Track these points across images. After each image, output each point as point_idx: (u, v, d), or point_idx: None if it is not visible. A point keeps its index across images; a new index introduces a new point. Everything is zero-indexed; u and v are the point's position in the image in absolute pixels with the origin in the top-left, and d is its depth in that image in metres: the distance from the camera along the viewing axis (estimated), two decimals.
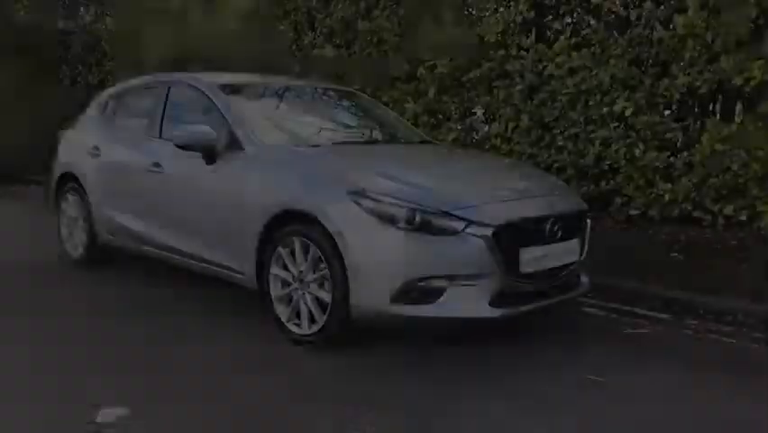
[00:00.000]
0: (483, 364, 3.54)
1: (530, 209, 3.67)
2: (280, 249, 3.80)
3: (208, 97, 4.53)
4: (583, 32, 6.33)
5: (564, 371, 3.48)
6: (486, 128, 7.12)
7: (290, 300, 3.81)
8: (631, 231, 6.04)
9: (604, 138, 6.16)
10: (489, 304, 3.44)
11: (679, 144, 5.91)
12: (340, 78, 8.05)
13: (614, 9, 5.96)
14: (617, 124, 6.13)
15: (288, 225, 3.76)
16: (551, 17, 6.64)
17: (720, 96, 5.90)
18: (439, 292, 3.40)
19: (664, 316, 4.45)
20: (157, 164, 4.65)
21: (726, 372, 3.51)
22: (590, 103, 6.23)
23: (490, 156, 6.00)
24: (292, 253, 3.77)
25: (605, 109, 6.14)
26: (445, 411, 2.97)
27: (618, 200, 6.23)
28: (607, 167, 6.21)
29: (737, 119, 5.85)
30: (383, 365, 3.52)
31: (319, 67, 8.40)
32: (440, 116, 7.48)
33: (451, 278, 3.39)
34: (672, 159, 5.90)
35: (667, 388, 3.29)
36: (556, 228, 3.68)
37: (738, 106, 5.88)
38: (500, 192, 3.81)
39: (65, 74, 13.42)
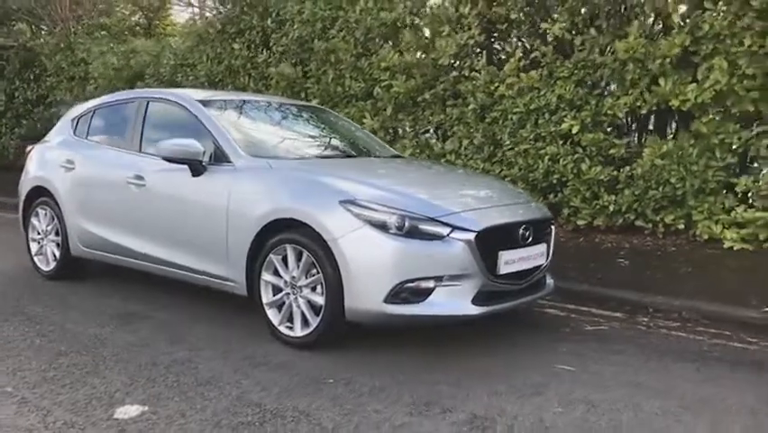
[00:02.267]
0: (466, 359, 3.84)
1: (505, 216, 4.03)
2: (272, 256, 4.03)
3: (190, 112, 4.73)
4: (532, 56, 6.78)
5: (538, 363, 3.82)
6: (440, 145, 7.48)
7: (281, 305, 4.04)
8: (579, 240, 6.51)
9: (553, 154, 6.61)
10: (472, 302, 3.76)
11: (621, 160, 6.40)
12: (296, 95, 8.33)
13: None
14: (564, 141, 6.60)
15: (280, 234, 3.98)
16: (501, 42, 7.08)
17: (658, 116, 6.44)
18: (427, 292, 3.69)
19: (618, 314, 4.86)
20: (138, 177, 4.79)
21: (680, 360, 3.92)
22: (540, 121, 6.68)
23: (459, 169, 6.35)
24: (284, 260, 4.00)
25: (553, 127, 6.61)
26: (441, 397, 3.26)
27: (566, 211, 6.69)
28: (555, 180, 6.66)
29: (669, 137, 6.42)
30: (377, 361, 3.78)
31: (275, 84, 8.64)
32: (396, 132, 7.83)
33: (438, 279, 3.70)
34: (615, 173, 6.39)
35: (631, 374, 3.67)
36: (528, 233, 4.04)
37: (674, 125, 6.43)
38: (476, 201, 4.15)
39: (1, 89, 13.21)
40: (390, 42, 7.81)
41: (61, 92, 12.27)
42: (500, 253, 3.85)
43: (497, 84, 6.92)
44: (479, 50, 7.18)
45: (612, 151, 6.41)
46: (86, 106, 5.74)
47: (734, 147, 5.83)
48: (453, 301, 3.73)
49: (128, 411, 3.13)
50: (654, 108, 6.18)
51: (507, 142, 6.88)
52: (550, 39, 6.63)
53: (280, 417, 3.07)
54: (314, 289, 3.89)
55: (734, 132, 5.77)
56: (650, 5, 6.08)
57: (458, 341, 4.12)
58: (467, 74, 7.17)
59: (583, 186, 6.49)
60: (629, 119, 6.58)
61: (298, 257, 3.93)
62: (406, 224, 3.69)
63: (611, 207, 6.36)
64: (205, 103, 4.80)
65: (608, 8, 6.34)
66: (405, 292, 3.66)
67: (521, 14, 6.77)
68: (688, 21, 5.93)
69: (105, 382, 3.47)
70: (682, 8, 6.01)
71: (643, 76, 6.12)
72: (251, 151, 4.41)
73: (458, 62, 7.21)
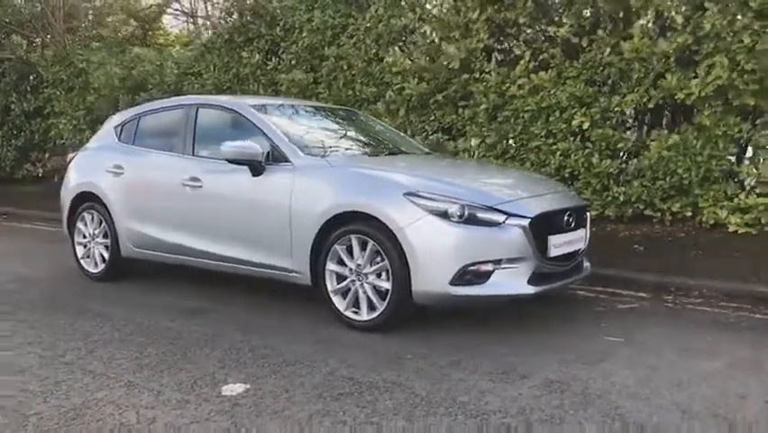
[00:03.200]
0: (524, 335, 4.20)
1: (552, 204, 4.40)
2: (336, 247, 4.34)
3: (244, 117, 5.03)
4: (540, 57, 7.18)
5: (589, 336, 4.20)
6: (452, 144, 7.83)
7: (346, 292, 4.35)
8: (593, 229, 6.88)
9: (564, 149, 7.01)
10: (528, 283, 4.12)
11: (629, 152, 6.83)
12: (308, 100, 8.62)
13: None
14: (574, 137, 7.01)
15: (345, 226, 4.30)
16: (510, 44, 7.47)
17: (666, 111, 6.87)
18: (488, 275, 4.04)
19: (643, 294, 5.26)
20: (194, 179, 5.07)
21: (715, 329, 4.33)
22: (551, 119, 7.08)
23: (492, 164, 6.73)
24: (347, 250, 4.32)
25: (563, 124, 7.01)
26: (515, 366, 3.61)
27: None
28: (567, 174, 7.06)
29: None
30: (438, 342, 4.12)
31: (287, 90, 8.94)
32: (406, 133, 8.16)
33: (497, 262, 4.05)
34: (623, 165, 6.81)
35: (676, 341, 4.06)
36: (571, 219, 4.42)
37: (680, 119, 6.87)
38: (522, 191, 4.51)
39: None
40: (400, 48, 8.14)
41: (59, 103, 12.39)
42: (549, 237, 4.22)
43: (508, 84, 7.30)
44: (487, 53, 7.54)
45: (620, 145, 6.83)
46: (129, 115, 5.99)
47: (735, 138, 6.27)
48: (512, 282, 4.08)
49: (233, 389, 3.42)
50: (660, 104, 6.60)
51: (519, 139, 7.26)
52: (558, 41, 7.03)
53: (375, 387, 3.39)
54: (378, 275, 4.21)
55: (734, 124, 6.22)
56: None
57: (508, 321, 4.47)
58: (477, 76, 7.53)
59: (594, 179, 6.89)
60: (636, 114, 7.01)
61: (363, 247, 4.24)
62: (466, 212, 4.03)
63: (621, 198, 6.76)
64: (258, 108, 5.10)
65: (610, 11, 6.76)
66: (468, 275, 4.01)
67: (528, 18, 7.16)
68: (690, 20, 6.37)
69: (198, 366, 3.74)
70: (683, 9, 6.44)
71: (648, 74, 6.54)
72: (307, 151, 4.72)
73: (468, 65, 7.57)
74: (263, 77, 9.39)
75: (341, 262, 4.37)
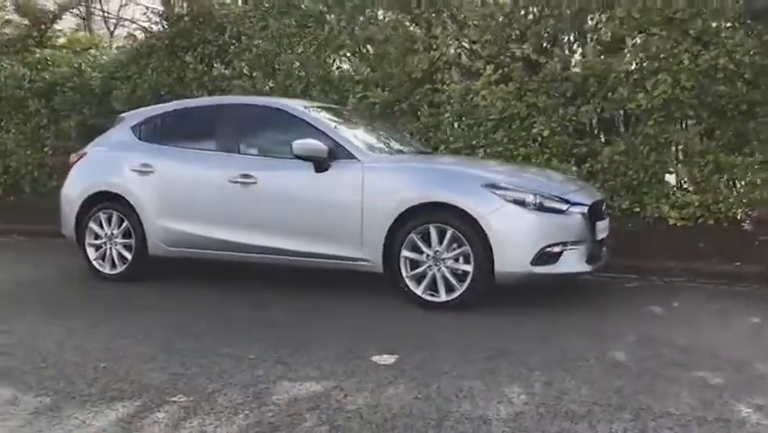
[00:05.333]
0: (559, 314, 4.85)
1: (595, 195, 5.11)
2: (413, 235, 4.76)
3: (299, 118, 5.33)
4: (502, 71, 7.93)
5: (626, 307, 4.94)
6: None
7: (421, 277, 4.77)
8: None
9: (524, 155, 7.79)
10: (586, 262, 4.78)
11: (584, 157, 7.75)
12: None
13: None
14: (534, 142, 7.82)
15: (422, 216, 4.73)
16: (473, 58, 8.17)
17: (617, 120, 7.88)
18: (558, 255, 4.66)
19: (632, 275, 6.10)
20: (246, 175, 5.24)
21: (721, 299, 5.28)
22: (513, 127, 7.84)
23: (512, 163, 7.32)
24: (422, 238, 4.75)
25: (524, 132, 7.80)
26: (606, 329, 4.24)
27: None
28: None
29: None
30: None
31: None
32: None
33: (564, 244, 4.67)
34: (578, 168, 7.71)
35: (697, 306, 4.95)
36: (605, 209, 5.14)
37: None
38: (567, 184, 5.18)
39: None
40: (360, 57, 8.58)
41: None
42: (597, 223, 4.90)
43: (471, 96, 7.98)
44: (450, 66, 8.18)
45: (575, 150, 7.73)
46: (147, 115, 6.02)
47: (674, 145, 7.38)
48: (575, 261, 4.73)
49: (384, 359, 3.76)
50: (612, 114, 7.59)
51: (482, 145, 7.96)
52: (519, 56, 7.82)
53: (509, 352, 3.87)
54: (456, 259, 4.68)
55: (674, 132, 7.31)
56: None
57: (553, 302, 5.11)
58: (440, 87, 8.15)
59: None
60: (591, 123, 7.95)
61: (441, 234, 4.69)
62: (538, 201, 4.62)
63: None
64: (309, 109, 5.40)
65: (567, 32, 7.67)
66: (545, 255, 4.61)
67: (491, 36, 7.91)
68: (637, 42, 7.40)
69: (325, 345, 4.02)
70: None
71: (601, 88, 7.50)
72: (371, 149, 5.11)
73: (431, 76, 8.16)
74: (210, 83, 9.39)
75: (415, 250, 4.77)
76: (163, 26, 9.85)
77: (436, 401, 3.12)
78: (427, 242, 4.74)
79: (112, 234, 5.75)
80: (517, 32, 7.90)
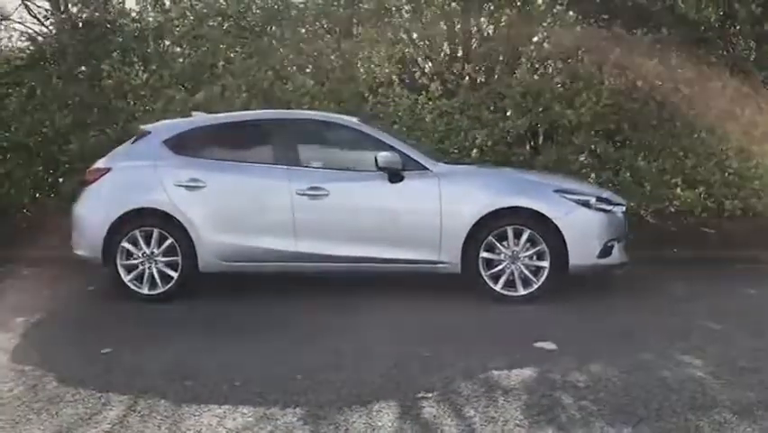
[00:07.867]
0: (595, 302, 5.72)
1: (617, 196, 5.99)
2: (491, 237, 5.29)
3: (361, 132, 5.64)
4: (447, 86, 8.65)
5: (652, 288, 5.91)
6: None
7: (499, 274, 5.33)
8: None
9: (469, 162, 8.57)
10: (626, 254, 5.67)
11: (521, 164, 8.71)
12: None
13: None
14: (476, 151, 8.62)
15: (501, 220, 5.28)
16: (419, 74, 8.78)
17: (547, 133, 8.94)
18: (612, 249, 5.47)
19: None
20: (315, 188, 5.39)
21: (719, 280, 6.36)
22: (458, 138, 8.58)
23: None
24: (498, 239, 5.30)
25: (467, 142, 8.58)
26: (661, 310, 5.13)
27: None
28: None
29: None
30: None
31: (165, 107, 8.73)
32: None
33: (614, 239, 5.49)
34: None
35: (710, 286, 6.04)
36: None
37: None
38: (597, 188, 6.03)
39: None
40: (305, 71, 8.78)
41: None
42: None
43: (419, 108, 8.58)
44: (398, 80, 8.71)
45: (513, 158, 8.67)
46: (180, 129, 5.82)
47: (599, 153, 8.62)
48: (620, 253, 5.59)
49: (546, 345, 4.28)
50: (546, 127, 8.65)
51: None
52: (462, 75, 8.59)
53: (634, 331, 4.61)
54: (531, 258, 5.30)
55: (597, 142, 8.55)
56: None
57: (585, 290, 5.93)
58: (384, 100, 8.64)
59: None
60: (527, 135, 8.93)
61: (517, 235, 5.29)
62: (596, 203, 5.41)
63: None
64: (364, 124, 5.72)
65: (505, 57, 8.62)
66: (606, 249, 5.39)
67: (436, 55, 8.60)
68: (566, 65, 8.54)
69: (468, 340, 4.43)
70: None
71: (535, 104, 8.52)
72: (440, 160, 5.55)
73: (377, 90, 8.63)
74: (131, 93, 8.91)
75: (491, 250, 5.31)
76: (73, 30, 9.10)
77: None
78: (502, 243, 5.30)
79: (152, 252, 5.48)
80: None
